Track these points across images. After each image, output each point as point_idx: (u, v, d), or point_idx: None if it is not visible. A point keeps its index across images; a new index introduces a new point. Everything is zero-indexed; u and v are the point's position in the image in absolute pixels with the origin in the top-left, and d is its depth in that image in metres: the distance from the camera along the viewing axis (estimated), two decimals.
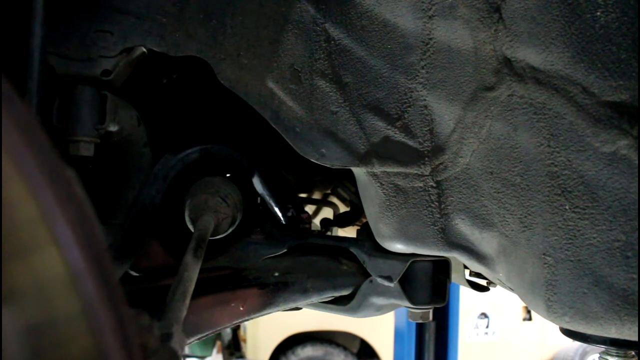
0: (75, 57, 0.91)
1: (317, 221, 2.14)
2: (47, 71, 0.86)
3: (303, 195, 1.78)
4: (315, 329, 5.46)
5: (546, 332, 5.63)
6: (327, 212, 2.09)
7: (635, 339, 0.84)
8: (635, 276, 0.79)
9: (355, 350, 5.62)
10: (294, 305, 1.19)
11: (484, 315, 5.42)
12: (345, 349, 5.52)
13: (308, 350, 5.44)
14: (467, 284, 1.35)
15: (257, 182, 1.23)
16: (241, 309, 1.11)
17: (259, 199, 1.27)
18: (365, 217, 1.22)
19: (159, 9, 0.95)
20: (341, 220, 1.50)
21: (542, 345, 5.65)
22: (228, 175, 1.25)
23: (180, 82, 1.24)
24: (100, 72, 0.93)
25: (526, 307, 5.51)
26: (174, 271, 1.09)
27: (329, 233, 1.57)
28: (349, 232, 1.71)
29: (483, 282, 1.37)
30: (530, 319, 5.60)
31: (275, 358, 5.48)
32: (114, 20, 0.93)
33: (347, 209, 1.60)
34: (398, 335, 4.51)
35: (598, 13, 0.79)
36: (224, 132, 1.24)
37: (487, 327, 5.37)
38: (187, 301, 0.73)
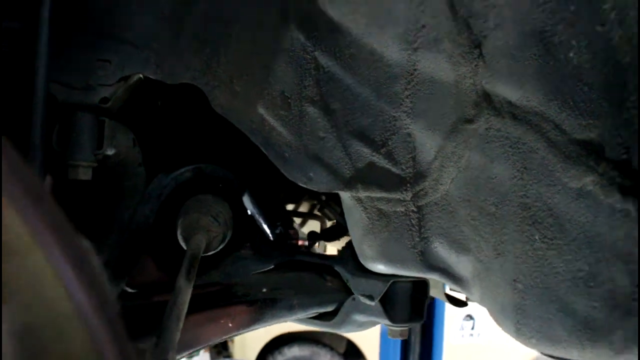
0: (75, 85, 0.95)
1: (306, 229, 2.19)
2: (49, 98, 0.90)
3: (291, 206, 1.83)
4: (302, 329, 5.51)
5: None
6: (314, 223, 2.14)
7: None
8: (597, 304, 0.84)
9: (342, 350, 5.67)
10: (281, 321, 1.24)
11: (470, 317, 5.49)
12: (331, 349, 5.57)
13: (295, 350, 5.48)
14: (445, 298, 1.40)
15: (247, 200, 1.27)
16: (230, 325, 1.15)
17: (249, 213, 1.31)
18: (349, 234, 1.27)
19: (155, 38, 0.99)
20: (327, 234, 1.55)
21: (526, 347, 5.73)
22: (219, 191, 1.30)
23: (174, 104, 1.29)
24: (99, 100, 0.98)
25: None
26: (167, 287, 1.13)
27: (316, 245, 1.62)
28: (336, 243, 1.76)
29: (462, 297, 1.43)
30: None
31: (263, 358, 5.52)
32: (113, 49, 0.97)
33: (334, 222, 1.65)
34: (384, 336, 4.58)
35: (571, 54, 0.84)
36: (215, 151, 1.29)
37: (473, 328, 5.43)
38: (181, 325, 0.77)
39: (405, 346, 4.43)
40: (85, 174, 0.97)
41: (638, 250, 0.82)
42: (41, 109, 0.81)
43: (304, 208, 2.05)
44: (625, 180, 0.81)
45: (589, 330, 0.86)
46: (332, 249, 1.80)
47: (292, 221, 1.39)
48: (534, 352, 5.87)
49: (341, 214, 1.22)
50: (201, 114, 1.25)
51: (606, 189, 0.82)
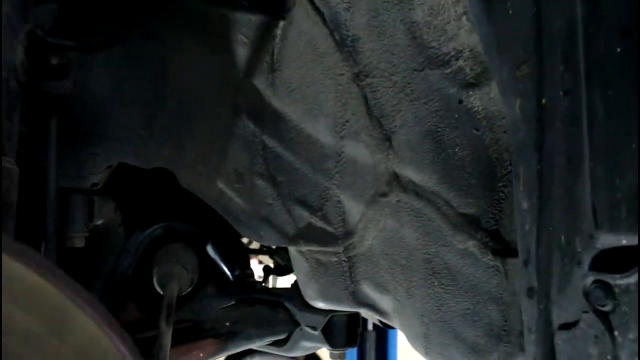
0: (71, 174, 1.18)
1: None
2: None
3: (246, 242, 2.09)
4: None
5: None
6: None
7: None
8: (479, 334, 1.13)
9: (302, 358, 5.92)
10: (241, 349, 1.50)
11: None
12: (292, 357, 5.79)
13: None
14: (378, 322, 1.69)
15: (210, 250, 1.52)
16: (201, 355, 1.40)
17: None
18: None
19: (133, 133, 1.23)
20: (279, 270, 1.82)
21: None
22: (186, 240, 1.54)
23: (146, 174, 1.52)
24: (90, 185, 1.20)
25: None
26: (147, 325, 1.37)
27: (270, 278, 1.89)
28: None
29: None
30: None
31: None
32: (99, 144, 1.20)
33: None
34: None
35: (456, 149, 1.13)
36: (181, 210, 1.53)
37: None
38: None
39: (361, 353, 4.69)
40: (80, 242, 1.20)
41: (506, 293, 1.11)
42: (53, 200, 1.03)
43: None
44: (496, 244, 1.11)
45: (475, 353, 1.15)
46: (282, 280, 2.07)
47: (249, 263, 1.64)
48: None
49: (289, 259, 1.48)
50: (168, 182, 1.49)
51: (482, 251, 1.11)
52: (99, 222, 1.26)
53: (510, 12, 0.88)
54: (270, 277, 2.01)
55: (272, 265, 1.91)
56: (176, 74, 1.24)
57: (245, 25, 1.24)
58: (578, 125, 0.77)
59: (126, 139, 1.22)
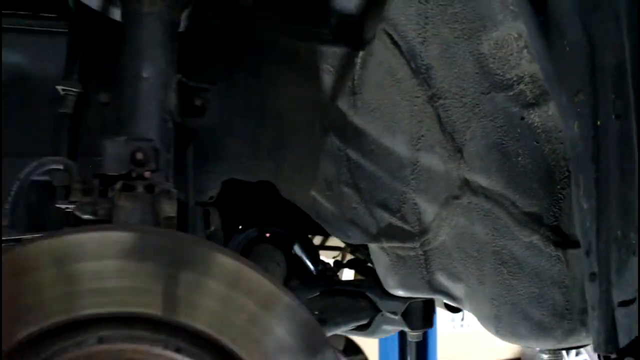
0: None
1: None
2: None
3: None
4: None
5: None
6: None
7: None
8: (545, 313, 1.33)
9: (341, 347, 6.14)
10: (330, 334, 1.73)
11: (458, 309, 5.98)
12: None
13: None
14: (444, 307, 1.90)
15: (297, 248, 1.75)
16: None
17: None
18: (366, 263, 1.76)
19: (241, 153, 1.46)
20: (350, 264, 2.05)
21: None
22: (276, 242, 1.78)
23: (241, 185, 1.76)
24: (208, 198, 1.44)
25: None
26: None
27: (340, 272, 2.12)
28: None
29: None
30: None
31: None
32: (215, 164, 1.44)
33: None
34: None
35: (519, 158, 1.32)
36: (275, 214, 1.76)
37: (462, 319, 5.94)
38: None
39: (402, 339, 4.88)
40: None
41: (567, 278, 1.31)
42: (193, 211, 1.26)
43: None
44: (557, 237, 1.30)
45: (541, 330, 1.35)
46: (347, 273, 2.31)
47: (319, 259, 1.87)
48: None
49: (369, 255, 1.70)
50: (263, 191, 1.72)
51: (545, 243, 1.31)
52: (212, 228, 1.50)
53: (567, 49, 1.07)
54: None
55: (341, 260, 2.14)
56: (273, 102, 1.47)
57: (330, 57, 1.46)
58: (629, 143, 0.97)
59: (235, 159, 1.46)
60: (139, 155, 0.97)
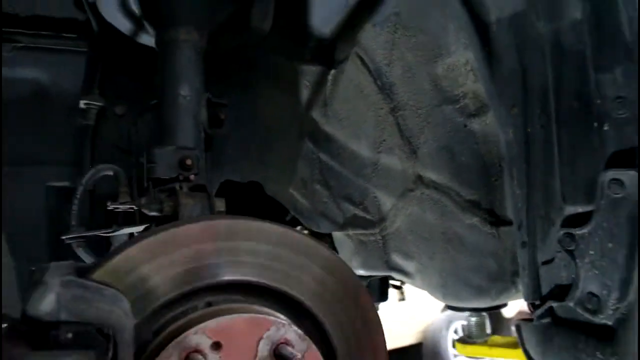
0: None
1: None
2: None
3: None
4: None
5: (418, 310, 6.76)
6: None
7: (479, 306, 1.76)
8: (483, 279, 1.70)
9: None
10: None
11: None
12: None
13: None
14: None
15: None
16: None
17: None
18: None
19: (235, 158, 1.71)
20: None
21: (415, 321, 6.80)
22: None
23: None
24: None
25: (400, 290, 6.58)
26: None
27: None
28: None
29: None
30: (404, 299, 6.69)
31: None
32: (215, 168, 1.67)
33: None
34: None
35: (463, 158, 1.68)
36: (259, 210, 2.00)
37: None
38: None
39: None
40: None
41: (500, 249, 1.68)
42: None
43: None
44: (492, 218, 1.67)
45: (479, 292, 1.72)
46: None
47: None
48: (421, 324, 6.89)
49: (332, 242, 1.99)
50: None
51: (483, 223, 1.67)
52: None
53: (505, 74, 1.43)
54: None
55: None
56: (262, 111, 1.73)
57: (308, 74, 1.75)
58: (550, 145, 1.33)
59: (231, 163, 1.70)
60: (188, 161, 1.19)
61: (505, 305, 1.92)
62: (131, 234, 1.26)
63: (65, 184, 1.58)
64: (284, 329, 0.87)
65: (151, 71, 1.54)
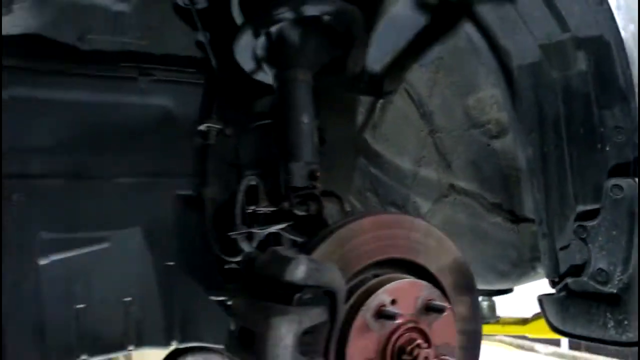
0: None
1: None
2: None
3: None
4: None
5: None
6: None
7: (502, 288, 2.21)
8: (506, 265, 2.14)
9: None
10: None
11: None
12: (222, 354, 6.12)
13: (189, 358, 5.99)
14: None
15: None
16: None
17: None
18: None
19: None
20: None
21: None
22: None
23: None
24: None
25: None
26: None
27: None
28: None
29: None
30: None
31: None
32: None
33: None
34: None
35: (487, 170, 2.12)
36: None
37: None
38: None
39: None
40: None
41: (519, 242, 2.13)
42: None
43: None
44: (512, 217, 2.11)
45: (503, 276, 2.16)
46: None
47: None
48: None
49: None
50: None
51: (505, 221, 2.11)
52: None
53: (525, 107, 1.87)
54: None
55: None
56: (327, 135, 2.14)
57: (362, 103, 2.17)
58: (562, 160, 1.77)
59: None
60: (317, 173, 1.58)
61: (511, 290, 2.37)
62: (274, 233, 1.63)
63: (190, 192, 1.98)
64: (430, 290, 1.28)
65: (251, 100, 1.95)
